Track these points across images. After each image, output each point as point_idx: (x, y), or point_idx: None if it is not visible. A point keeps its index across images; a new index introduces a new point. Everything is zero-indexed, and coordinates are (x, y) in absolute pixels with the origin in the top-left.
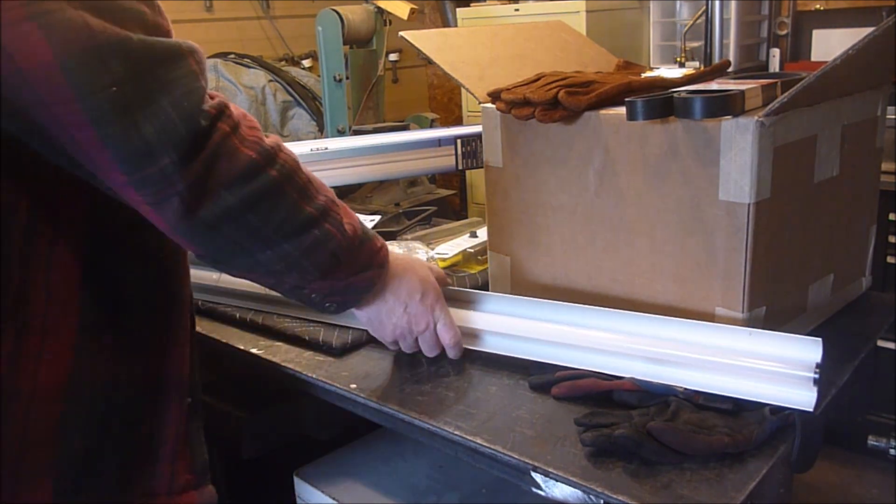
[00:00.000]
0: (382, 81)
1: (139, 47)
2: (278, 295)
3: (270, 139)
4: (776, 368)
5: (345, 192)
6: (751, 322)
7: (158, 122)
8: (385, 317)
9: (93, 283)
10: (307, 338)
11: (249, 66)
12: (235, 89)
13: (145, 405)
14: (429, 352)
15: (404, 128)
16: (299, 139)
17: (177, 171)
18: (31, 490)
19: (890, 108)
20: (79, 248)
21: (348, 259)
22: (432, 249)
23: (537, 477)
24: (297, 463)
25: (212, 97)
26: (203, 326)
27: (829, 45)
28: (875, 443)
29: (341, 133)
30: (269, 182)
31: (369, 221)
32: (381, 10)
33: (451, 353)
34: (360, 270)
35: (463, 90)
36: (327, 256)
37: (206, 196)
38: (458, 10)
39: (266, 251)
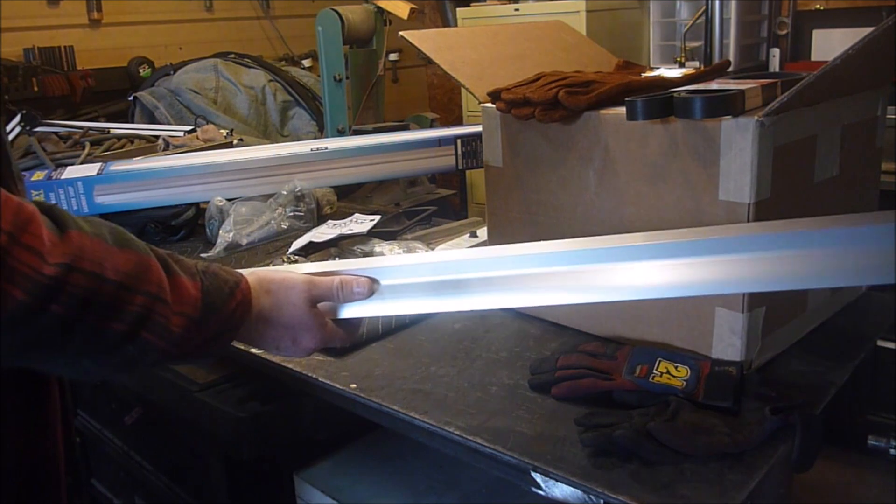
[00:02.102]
0: (382, 81)
1: None
2: None
3: (65, 252)
4: None
5: (345, 191)
6: (751, 322)
7: None
8: (292, 336)
9: None
10: None
11: (249, 66)
12: (235, 89)
13: (11, 495)
14: (363, 295)
15: (404, 128)
16: (299, 139)
17: None
18: None
19: (890, 108)
20: None
21: (185, 348)
22: (432, 249)
23: (537, 477)
24: (297, 463)
25: None
26: None
27: (829, 45)
28: (875, 443)
29: (341, 133)
30: (51, 321)
31: (369, 221)
32: (381, 10)
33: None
34: (212, 338)
35: (463, 90)
36: (157, 359)
37: None
38: (458, 10)
39: (77, 371)
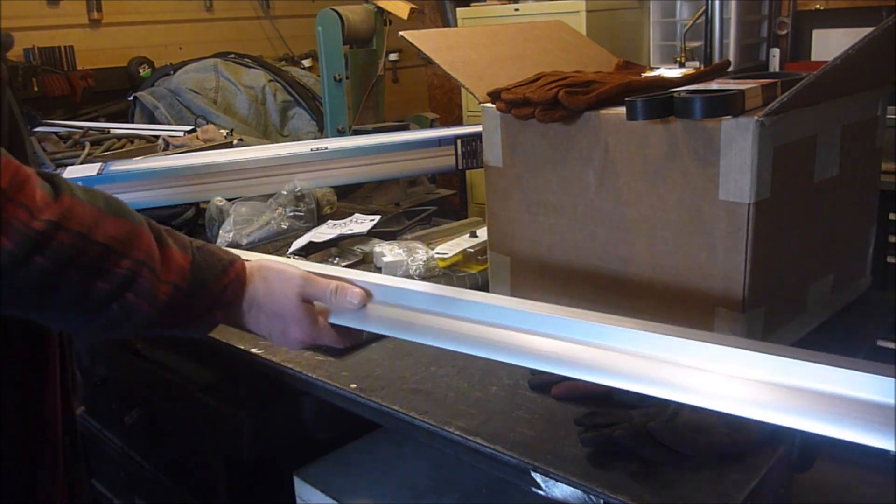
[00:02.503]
0: (382, 81)
1: None
2: None
3: (54, 211)
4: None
5: (345, 191)
6: (751, 322)
7: None
8: (282, 327)
9: None
10: None
11: (249, 66)
12: (235, 89)
13: (21, 456)
14: (355, 305)
15: (404, 128)
16: (299, 139)
17: None
18: None
19: (890, 108)
20: None
21: (177, 311)
22: (432, 249)
23: (537, 477)
24: (297, 463)
25: None
26: None
27: (829, 45)
28: None
29: (341, 133)
30: (37, 272)
31: (369, 221)
32: (381, 10)
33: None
34: (201, 314)
35: (463, 90)
36: (141, 323)
37: None
38: (458, 10)
39: (67, 324)
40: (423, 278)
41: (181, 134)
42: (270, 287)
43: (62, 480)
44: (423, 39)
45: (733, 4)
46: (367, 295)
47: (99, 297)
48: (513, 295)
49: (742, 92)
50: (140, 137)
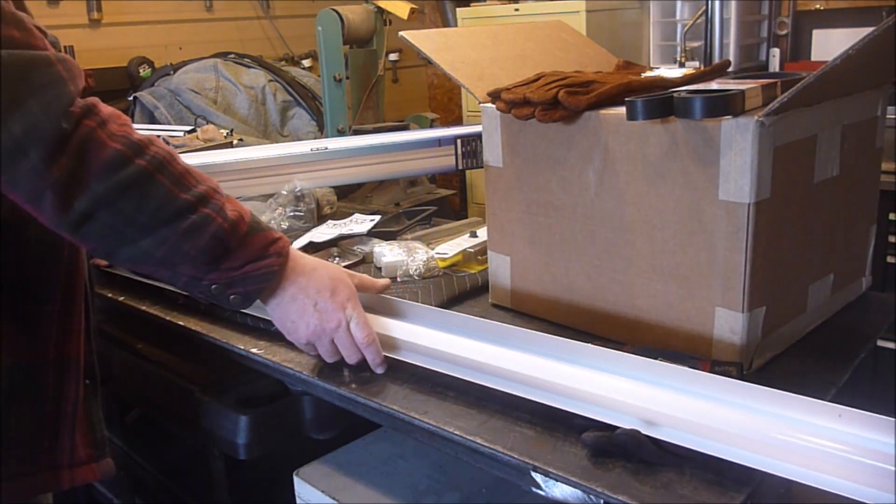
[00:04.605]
0: (382, 81)
1: (8, 58)
2: None
3: (144, 135)
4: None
5: (345, 191)
6: (751, 322)
7: (26, 122)
8: (296, 315)
9: None
10: None
11: (249, 66)
12: (235, 89)
13: (45, 385)
14: (348, 355)
15: (404, 128)
16: (299, 139)
17: (45, 167)
18: None
19: (890, 108)
20: None
21: (237, 245)
22: (432, 249)
23: (537, 477)
24: (297, 463)
25: (85, 99)
26: (203, 326)
27: (829, 45)
28: None
29: (341, 133)
30: (138, 171)
31: (369, 221)
32: (381, 10)
33: (367, 355)
34: (255, 258)
35: (463, 90)
36: (210, 240)
37: (76, 187)
38: (458, 10)
39: (146, 237)
40: (423, 278)
41: (181, 134)
42: (324, 262)
43: (82, 406)
44: (423, 39)
45: (733, 4)
46: (375, 345)
47: (182, 205)
48: (513, 295)
49: (742, 92)
50: None
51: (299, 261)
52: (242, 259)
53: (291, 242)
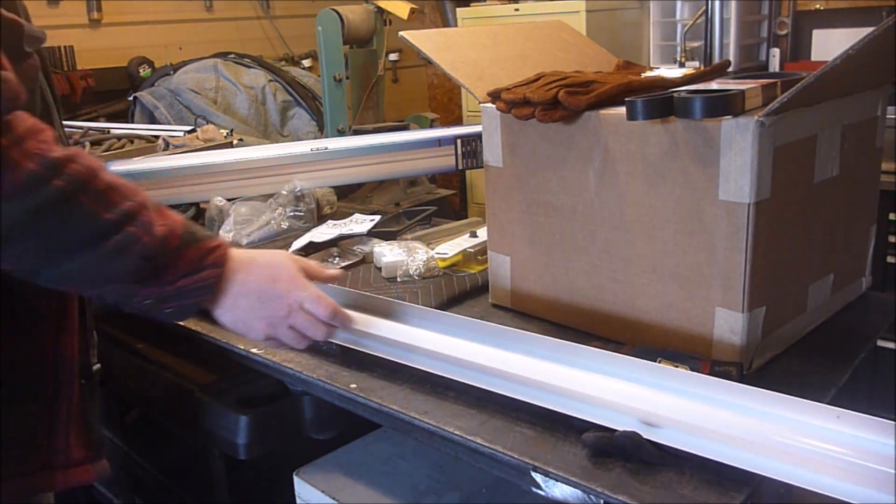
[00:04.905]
0: (382, 81)
1: None
2: None
3: (65, 151)
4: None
5: (345, 191)
6: (751, 322)
7: None
8: (244, 314)
9: None
10: None
11: (249, 66)
12: (235, 89)
13: (41, 386)
14: (314, 334)
15: (404, 128)
16: (299, 139)
17: None
18: None
19: (890, 108)
20: None
21: (167, 261)
22: (432, 249)
23: (537, 477)
24: (297, 463)
25: (4, 116)
26: (203, 326)
27: (829, 45)
28: None
29: (341, 133)
30: (55, 192)
31: (369, 221)
32: (381, 10)
33: (336, 325)
34: (190, 272)
35: (463, 90)
36: (136, 260)
37: None
38: (458, 10)
39: (67, 260)
40: (423, 278)
41: (181, 134)
42: (262, 252)
43: (77, 406)
44: (423, 39)
45: (733, 4)
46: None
47: (105, 225)
48: (513, 295)
49: (742, 92)
50: (140, 137)
51: (235, 258)
52: (176, 274)
53: (230, 245)
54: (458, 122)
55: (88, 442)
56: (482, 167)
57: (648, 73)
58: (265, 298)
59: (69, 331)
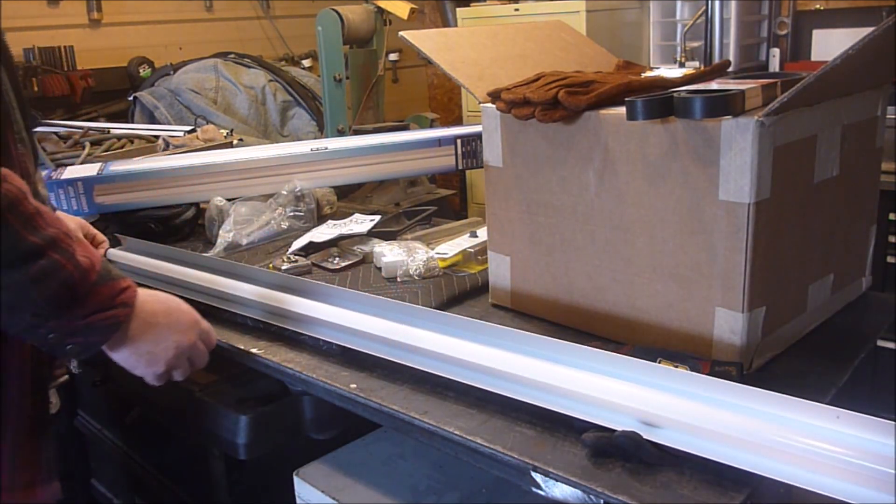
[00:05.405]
0: (382, 81)
1: None
2: (280, 304)
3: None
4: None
5: (345, 191)
6: (751, 322)
7: None
8: (151, 346)
9: None
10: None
11: (249, 66)
12: (235, 89)
13: None
14: (202, 364)
15: (404, 128)
16: (299, 139)
17: None
18: None
19: (890, 108)
20: None
21: (84, 294)
22: (432, 249)
23: (537, 477)
24: (297, 463)
25: None
26: None
27: (829, 45)
28: None
29: (341, 133)
30: None
31: (369, 221)
32: (381, 10)
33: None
34: (102, 308)
35: (463, 90)
36: (58, 288)
37: None
38: (458, 10)
39: (6, 276)
40: (423, 278)
41: (181, 134)
42: (158, 294)
43: (27, 422)
44: (423, 39)
45: (733, 4)
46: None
47: (30, 248)
48: (513, 295)
49: (742, 92)
50: (140, 137)
51: (142, 299)
52: (89, 308)
53: (136, 286)
54: (458, 122)
55: (37, 463)
56: (482, 167)
57: (648, 73)
58: (174, 329)
59: (16, 343)
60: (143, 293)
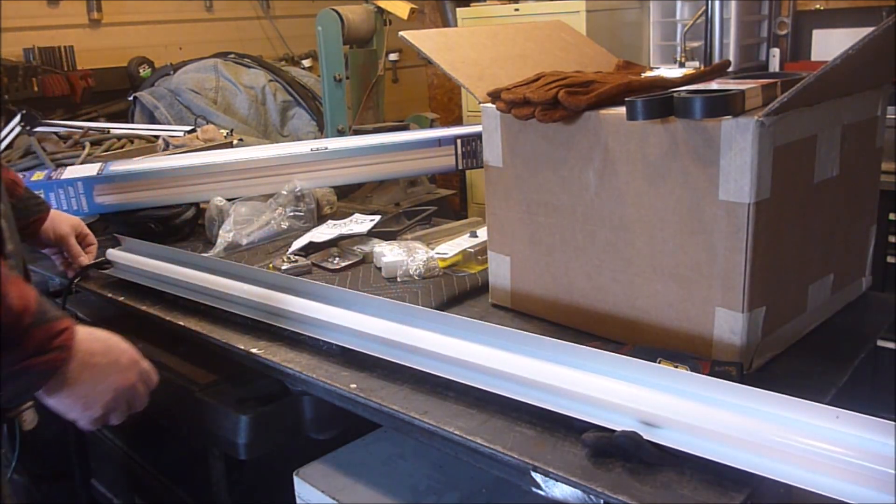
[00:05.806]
0: (382, 81)
1: None
2: (280, 304)
3: None
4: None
5: (345, 191)
6: (751, 322)
7: None
8: (89, 388)
9: None
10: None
11: (249, 66)
12: (235, 89)
13: None
14: (141, 406)
15: (404, 128)
16: (299, 139)
17: None
18: None
19: (890, 108)
20: None
21: (17, 338)
22: (432, 249)
23: (537, 477)
24: (297, 463)
25: None
26: (203, 326)
27: (829, 45)
28: None
29: (341, 133)
30: None
31: (369, 221)
32: (381, 10)
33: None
34: (36, 353)
35: (463, 90)
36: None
37: None
38: (458, 10)
39: None
40: (423, 278)
41: (181, 134)
42: (98, 332)
43: None
44: (423, 39)
45: (733, 4)
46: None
47: None
48: (513, 295)
49: (742, 92)
50: (140, 137)
51: (79, 339)
52: (22, 353)
53: (75, 325)
54: (458, 122)
55: None
56: (482, 167)
57: (648, 73)
58: (113, 369)
59: None
60: (81, 331)
